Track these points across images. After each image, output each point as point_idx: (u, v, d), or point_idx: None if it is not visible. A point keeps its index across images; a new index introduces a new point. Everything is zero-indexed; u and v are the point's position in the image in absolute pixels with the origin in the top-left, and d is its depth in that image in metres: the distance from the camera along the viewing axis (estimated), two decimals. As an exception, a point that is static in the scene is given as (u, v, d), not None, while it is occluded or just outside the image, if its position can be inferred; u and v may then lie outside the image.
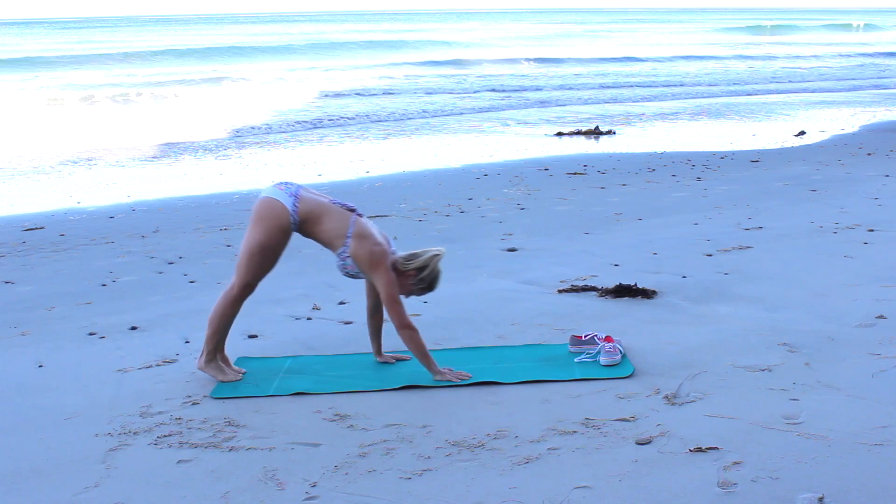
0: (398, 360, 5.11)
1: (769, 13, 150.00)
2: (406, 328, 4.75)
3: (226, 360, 4.94)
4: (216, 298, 4.93)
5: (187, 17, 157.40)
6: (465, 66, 34.65)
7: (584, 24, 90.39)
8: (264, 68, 34.58)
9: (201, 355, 4.87)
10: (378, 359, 5.10)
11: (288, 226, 4.71)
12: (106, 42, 57.79)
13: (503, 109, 21.49)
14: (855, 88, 26.33)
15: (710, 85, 27.64)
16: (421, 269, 4.77)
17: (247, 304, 6.20)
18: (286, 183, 4.83)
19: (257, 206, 4.78)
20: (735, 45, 50.87)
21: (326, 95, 24.32)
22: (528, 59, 37.17)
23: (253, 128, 18.13)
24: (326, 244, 4.77)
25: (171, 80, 29.05)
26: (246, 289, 4.81)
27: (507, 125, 18.53)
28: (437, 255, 4.80)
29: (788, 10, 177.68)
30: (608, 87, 26.91)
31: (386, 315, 4.92)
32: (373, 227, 4.81)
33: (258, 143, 16.33)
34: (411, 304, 6.09)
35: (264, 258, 4.74)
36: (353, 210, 4.80)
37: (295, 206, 4.71)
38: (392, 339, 5.37)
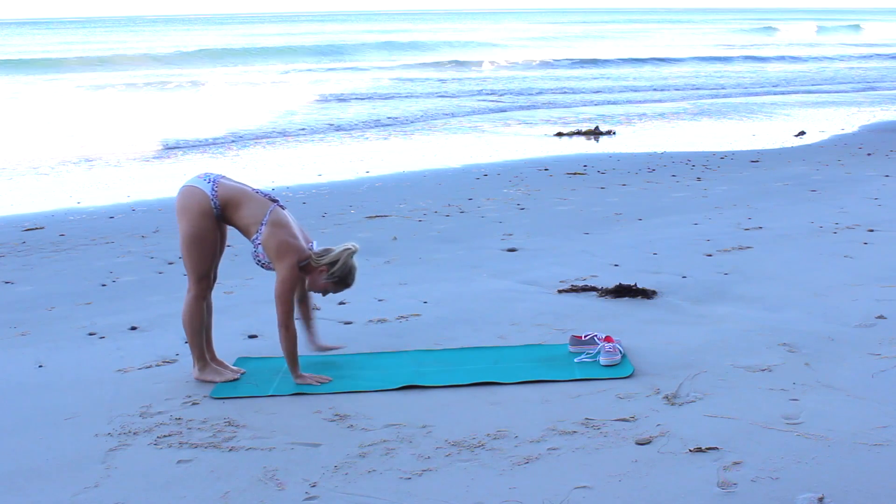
0: (329, 349, 5.16)
1: (772, 13, 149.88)
2: (285, 328, 4.70)
3: (219, 363, 4.94)
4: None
5: (187, 18, 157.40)
6: (465, 67, 34.65)
7: (585, 25, 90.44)
8: (264, 69, 34.61)
9: (193, 366, 4.86)
10: (311, 347, 5.10)
11: (209, 209, 4.67)
12: (106, 43, 57.81)
13: (503, 109, 21.49)
14: (855, 90, 26.31)
15: (709, 86, 27.62)
16: (332, 264, 4.71)
17: (247, 305, 6.25)
18: (206, 173, 4.83)
19: (177, 199, 4.76)
20: (736, 45, 50.87)
21: (326, 96, 24.32)
22: (528, 60, 37.17)
23: (253, 128, 18.13)
24: (244, 231, 4.75)
25: (172, 81, 29.08)
26: (200, 283, 4.77)
27: (507, 125, 18.53)
28: (349, 249, 4.75)
29: (794, 10, 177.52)
30: (609, 87, 26.90)
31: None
32: (291, 220, 4.78)
33: (258, 143, 16.34)
34: (409, 306, 6.12)
35: (200, 246, 4.70)
36: (275, 201, 4.78)
37: (214, 190, 4.69)
38: (389, 339, 5.38)
